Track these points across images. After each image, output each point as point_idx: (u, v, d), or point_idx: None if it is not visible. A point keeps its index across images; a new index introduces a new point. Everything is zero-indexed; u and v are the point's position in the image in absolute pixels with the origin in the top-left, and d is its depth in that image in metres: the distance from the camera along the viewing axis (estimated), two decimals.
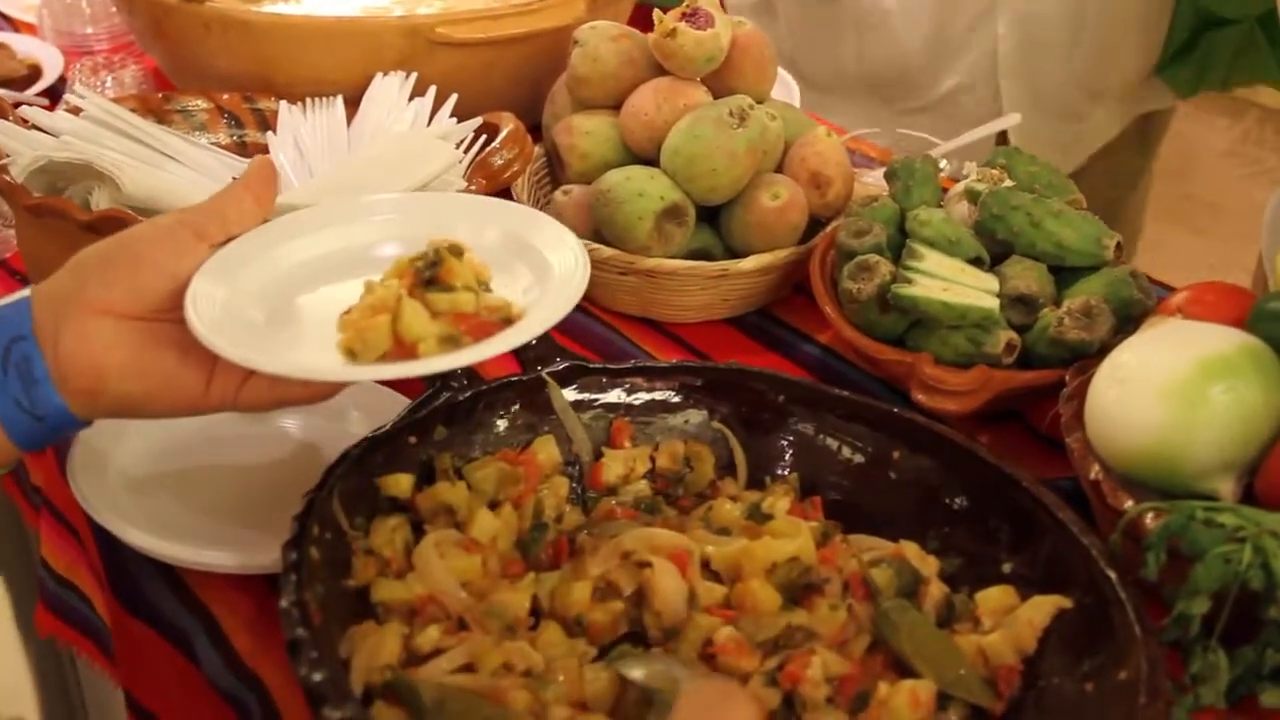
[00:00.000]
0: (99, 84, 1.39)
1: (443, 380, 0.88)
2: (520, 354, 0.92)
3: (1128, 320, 0.98)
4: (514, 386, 0.90)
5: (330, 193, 0.96)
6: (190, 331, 0.72)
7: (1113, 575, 0.76)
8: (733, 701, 0.73)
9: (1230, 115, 3.77)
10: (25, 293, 0.75)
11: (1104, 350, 0.92)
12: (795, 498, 0.89)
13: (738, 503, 0.88)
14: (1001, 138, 1.52)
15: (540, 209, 1.09)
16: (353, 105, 1.19)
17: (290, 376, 0.73)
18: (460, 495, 0.82)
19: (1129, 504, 0.81)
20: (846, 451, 0.90)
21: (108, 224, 0.91)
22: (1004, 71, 1.60)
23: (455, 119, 1.14)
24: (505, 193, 1.10)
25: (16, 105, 1.10)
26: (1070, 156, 1.67)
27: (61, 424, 0.75)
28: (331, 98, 1.19)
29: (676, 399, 0.93)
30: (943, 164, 1.25)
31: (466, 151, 1.10)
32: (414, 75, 1.19)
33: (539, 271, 0.80)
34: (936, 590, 0.82)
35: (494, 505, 0.84)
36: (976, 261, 1.02)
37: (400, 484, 0.82)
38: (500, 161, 1.07)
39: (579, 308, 1.14)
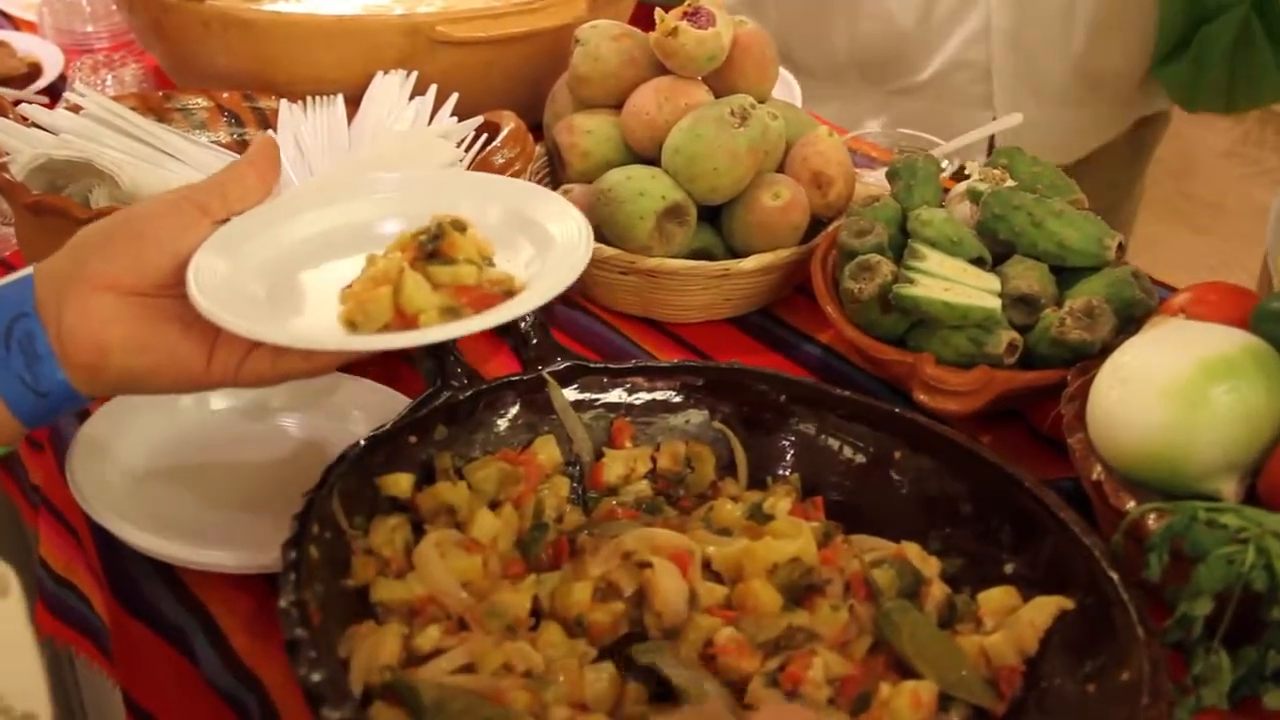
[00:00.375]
0: (99, 82, 1.39)
1: (443, 379, 0.88)
2: (521, 353, 0.92)
3: (1130, 320, 0.97)
4: (514, 386, 0.90)
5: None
6: (192, 306, 0.72)
7: (1115, 576, 0.76)
8: None
9: (1230, 117, 3.76)
10: (27, 271, 0.75)
11: (1106, 350, 0.91)
12: (796, 498, 0.88)
13: (739, 503, 0.87)
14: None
15: None
16: (353, 104, 1.19)
17: (292, 347, 0.74)
18: (461, 495, 0.82)
19: (1131, 505, 0.81)
20: (848, 452, 0.90)
21: None
22: (997, 46, 1.59)
23: (456, 118, 1.14)
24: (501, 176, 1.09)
25: (16, 103, 1.10)
26: (1068, 149, 1.66)
27: (64, 400, 0.75)
28: (332, 96, 1.19)
29: (677, 399, 0.92)
30: (944, 164, 1.25)
31: (468, 150, 1.10)
32: (414, 74, 1.19)
33: (541, 245, 0.80)
34: (938, 591, 0.82)
35: (494, 505, 0.84)
36: (978, 261, 1.02)
37: (400, 484, 0.82)
38: (501, 160, 1.07)
39: (580, 307, 1.15)
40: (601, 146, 1.15)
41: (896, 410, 0.90)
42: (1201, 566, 0.75)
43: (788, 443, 0.91)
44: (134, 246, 0.74)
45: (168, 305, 0.75)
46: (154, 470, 0.89)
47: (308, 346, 0.75)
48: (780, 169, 1.15)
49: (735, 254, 1.13)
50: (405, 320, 0.73)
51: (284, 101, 1.19)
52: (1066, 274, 1.02)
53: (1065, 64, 1.61)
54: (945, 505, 0.86)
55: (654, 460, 0.91)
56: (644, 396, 0.92)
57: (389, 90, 1.18)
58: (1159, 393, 0.83)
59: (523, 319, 0.92)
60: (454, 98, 1.16)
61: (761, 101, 1.14)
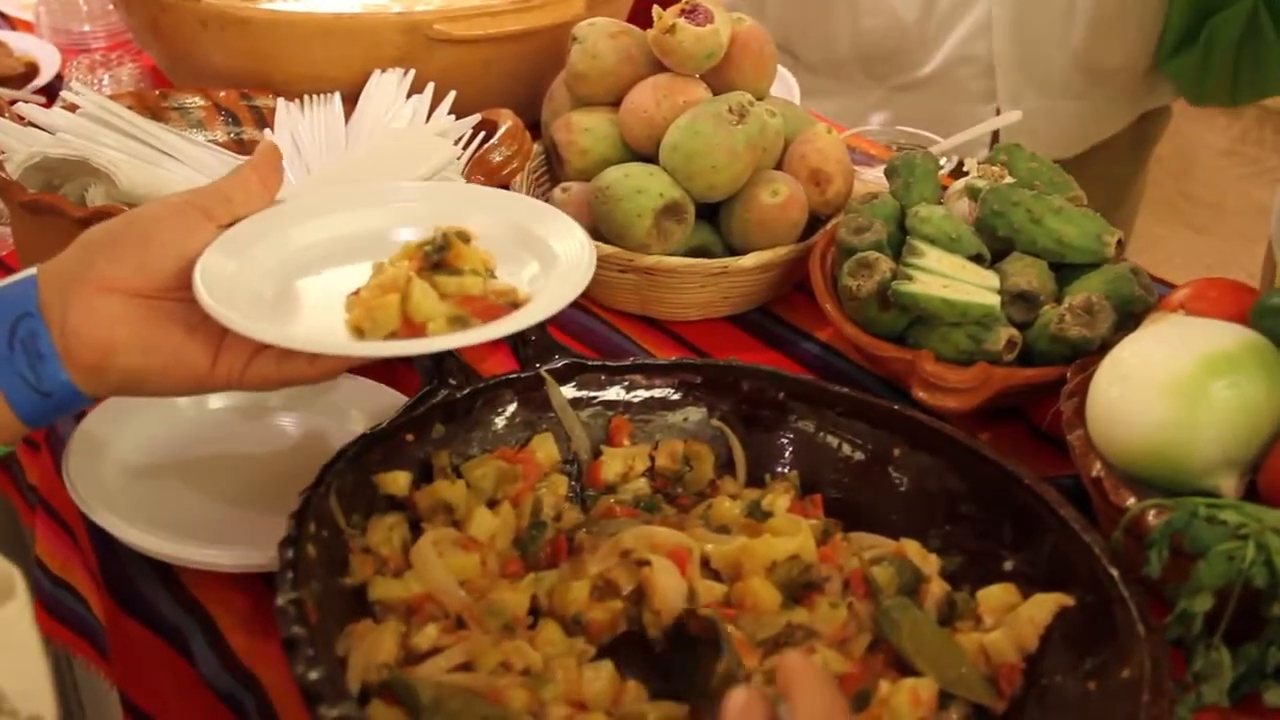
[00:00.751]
0: (96, 82, 1.39)
1: (440, 377, 0.88)
2: (518, 352, 0.92)
3: (1129, 317, 0.97)
4: (512, 384, 0.89)
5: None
6: (197, 308, 0.72)
7: (1115, 573, 0.76)
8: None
9: (1229, 114, 3.76)
10: (31, 271, 0.75)
11: (1105, 347, 0.91)
12: (795, 496, 0.88)
13: (737, 501, 0.87)
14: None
15: None
16: (350, 102, 1.18)
17: (298, 350, 0.74)
18: (459, 493, 0.82)
19: (1131, 501, 0.80)
20: (847, 449, 0.90)
21: (103, 220, 0.91)
22: (999, 40, 1.59)
23: (453, 116, 1.14)
24: (504, 189, 1.09)
25: (12, 103, 1.09)
26: (1070, 142, 1.66)
27: (67, 400, 0.75)
28: (329, 95, 1.18)
29: (675, 396, 0.92)
30: (943, 161, 1.24)
31: (465, 148, 1.09)
32: (412, 72, 1.19)
33: (545, 261, 0.80)
34: (938, 588, 0.82)
35: (492, 503, 0.84)
36: (977, 258, 1.01)
37: (398, 482, 0.82)
38: (499, 158, 1.07)
39: (578, 305, 1.15)
40: (599, 144, 1.14)
41: (895, 407, 0.90)
42: (1202, 563, 0.74)
43: (786, 440, 0.91)
44: (139, 249, 0.74)
45: (173, 308, 0.75)
46: (151, 469, 0.89)
47: (314, 350, 0.74)
48: (779, 166, 1.15)
49: (734, 252, 1.12)
50: (412, 328, 0.73)
51: (281, 100, 1.19)
52: (1065, 271, 1.02)
53: (1067, 57, 1.61)
54: (944, 502, 0.86)
55: (652, 458, 0.90)
56: (642, 394, 0.92)
57: (386, 88, 1.18)
58: (1159, 389, 0.83)
59: None
60: (451, 96, 1.15)
61: (760, 99, 1.13)
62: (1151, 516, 0.78)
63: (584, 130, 1.15)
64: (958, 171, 1.25)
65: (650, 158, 1.12)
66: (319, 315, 0.77)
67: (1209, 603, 0.74)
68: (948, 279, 0.98)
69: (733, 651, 0.74)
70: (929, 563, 0.83)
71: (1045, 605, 0.78)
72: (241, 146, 1.18)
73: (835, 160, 1.14)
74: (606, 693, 0.74)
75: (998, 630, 0.78)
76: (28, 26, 1.59)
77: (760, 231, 1.10)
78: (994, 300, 0.97)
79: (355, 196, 0.86)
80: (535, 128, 1.20)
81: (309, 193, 0.86)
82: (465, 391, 0.87)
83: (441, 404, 0.86)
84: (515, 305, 0.76)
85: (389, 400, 0.95)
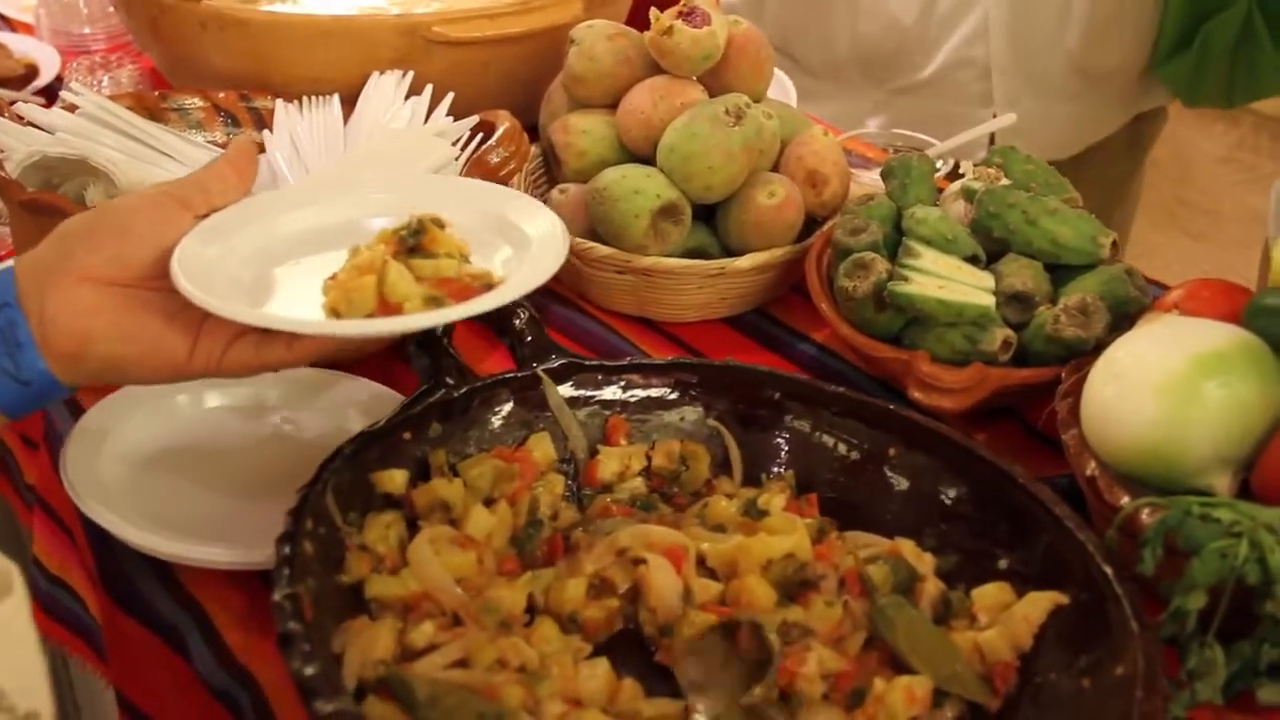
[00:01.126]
0: (95, 83, 1.39)
1: (437, 376, 0.88)
2: (515, 351, 0.92)
3: (1124, 318, 0.97)
4: (509, 383, 0.90)
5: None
6: (175, 296, 0.73)
7: (1109, 571, 0.76)
8: None
9: (1226, 121, 3.77)
10: (8, 264, 0.76)
11: (1100, 348, 0.91)
12: (791, 495, 0.88)
13: (733, 500, 0.87)
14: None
15: None
16: (349, 104, 1.18)
17: (276, 331, 0.75)
18: (455, 491, 0.82)
19: (1125, 500, 0.81)
20: (842, 448, 0.90)
21: None
22: (996, 44, 1.60)
23: (451, 118, 1.14)
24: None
25: (12, 103, 1.09)
26: (1066, 144, 1.67)
27: (46, 389, 0.76)
28: (328, 96, 1.19)
29: (672, 396, 0.92)
30: (939, 164, 1.25)
31: (463, 150, 1.10)
32: (410, 74, 1.19)
33: (518, 245, 0.82)
34: (933, 587, 0.82)
35: (489, 502, 0.84)
36: (973, 259, 1.02)
37: (394, 480, 0.82)
38: (496, 159, 1.07)
39: (575, 306, 1.15)
40: (597, 146, 1.15)
41: (891, 407, 0.90)
42: (1195, 560, 0.75)
43: (782, 440, 0.91)
44: (117, 239, 0.76)
45: (150, 297, 0.76)
46: (149, 467, 0.89)
47: (290, 329, 0.76)
48: (775, 168, 1.15)
49: (730, 253, 1.13)
50: (389, 309, 0.75)
51: (280, 101, 1.19)
52: (1061, 272, 1.02)
53: (1064, 60, 1.62)
54: (940, 502, 0.86)
55: (649, 458, 0.91)
56: (638, 394, 0.92)
57: (385, 90, 1.18)
58: (1152, 388, 0.83)
59: (517, 316, 0.92)
60: (449, 97, 1.16)
61: (757, 101, 1.14)
62: (1145, 515, 0.79)
63: (581, 132, 1.15)
64: (954, 174, 1.26)
65: (648, 159, 1.12)
66: (296, 299, 0.78)
67: (1202, 600, 0.75)
68: (943, 280, 0.98)
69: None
70: (924, 562, 0.83)
71: (1040, 604, 0.78)
72: None
73: (832, 162, 1.14)
74: (602, 690, 0.74)
75: (992, 628, 0.78)
76: (28, 28, 1.59)
77: (757, 233, 1.11)
78: (989, 301, 0.97)
79: (331, 188, 0.88)
80: (533, 130, 1.20)
81: (285, 186, 0.87)
82: (462, 390, 0.88)
83: (439, 403, 0.86)
84: (489, 287, 0.77)
85: (386, 400, 0.95)
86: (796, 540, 0.82)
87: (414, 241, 0.77)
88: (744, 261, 1.10)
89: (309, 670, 0.64)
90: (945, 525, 0.86)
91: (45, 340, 0.74)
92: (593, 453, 0.90)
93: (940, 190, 1.12)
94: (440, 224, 0.78)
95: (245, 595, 0.83)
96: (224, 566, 0.82)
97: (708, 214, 1.14)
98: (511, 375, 0.90)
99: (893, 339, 1.02)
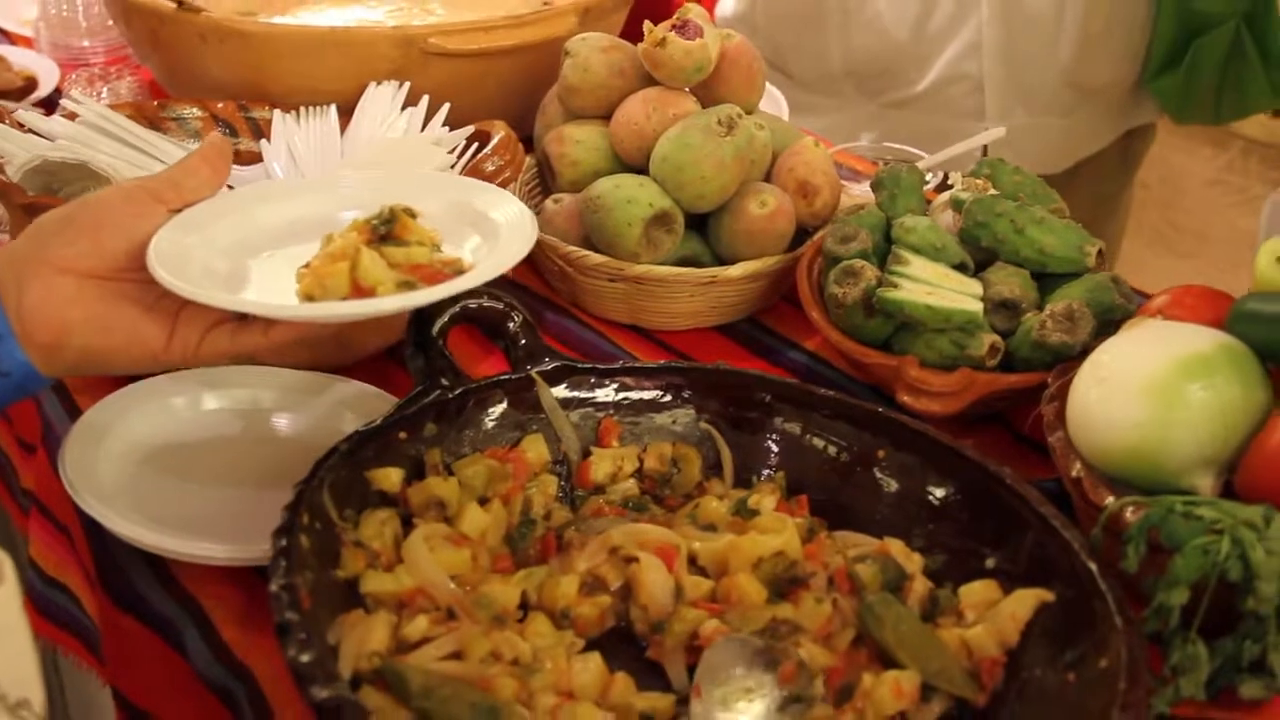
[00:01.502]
0: (95, 94, 1.40)
1: (432, 378, 0.89)
2: (510, 354, 0.93)
3: (1109, 325, 0.99)
4: (503, 385, 0.91)
5: None
6: (152, 288, 0.75)
7: (1093, 567, 0.77)
8: None
9: (1215, 145, 3.81)
10: None
11: (1086, 353, 0.92)
12: (781, 496, 0.89)
13: (724, 500, 0.88)
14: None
15: None
16: (346, 114, 1.20)
17: (251, 315, 0.77)
18: (451, 489, 0.83)
19: (1110, 500, 0.82)
20: (832, 450, 0.91)
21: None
22: (989, 59, 1.62)
23: (447, 128, 1.15)
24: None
25: (12, 113, 1.11)
26: (1057, 157, 1.69)
27: (26, 380, 0.77)
28: (325, 107, 1.20)
29: (664, 399, 0.93)
30: (929, 177, 1.26)
31: (459, 158, 1.11)
32: (406, 85, 1.20)
33: (488, 233, 0.84)
34: (920, 586, 0.83)
35: (483, 501, 0.85)
36: (961, 268, 1.03)
37: (390, 478, 0.83)
38: (491, 168, 1.08)
39: (569, 314, 1.16)
40: (591, 156, 1.16)
41: (880, 410, 0.91)
42: (1178, 557, 0.76)
43: (772, 442, 0.92)
44: (92, 231, 0.77)
45: (127, 288, 0.78)
46: (146, 465, 0.90)
47: (264, 313, 0.78)
48: (767, 179, 1.17)
49: (722, 262, 1.14)
50: (362, 293, 0.77)
51: (277, 112, 1.20)
52: (1047, 280, 1.04)
53: (1055, 74, 1.64)
54: (928, 502, 0.87)
55: (641, 460, 0.91)
56: (631, 396, 0.93)
57: (381, 100, 1.19)
58: (1137, 390, 0.84)
59: (511, 320, 0.93)
60: (445, 108, 1.17)
61: (749, 113, 1.15)
62: (1129, 513, 0.80)
63: (576, 142, 1.17)
64: (943, 187, 1.28)
65: (641, 170, 1.14)
66: (271, 288, 0.80)
67: (1185, 596, 0.76)
68: (932, 286, 0.99)
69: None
70: (912, 561, 0.84)
71: (1026, 601, 0.79)
72: (239, 157, 1.19)
73: (822, 173, 1.16)
74: (595, 683, 0.75)
75: (979, 625, 0.79)
76: (27, 42, 1.61)
77: (748, 242, 1.12)
78: (977, 307, 0.99)
79: (304, 183, 0.90)
80: (528, 141, 1.22)
81: (261, 182, 0.89)
82: (457, 392, 0.89)
83: (434, 403, 0.87)
84: (460, 273, 0.79)
85: (380, 402, 0.96)
86: (786, 539, 0.83)
87: (386, 230, 0.79)
88: (735, 270, 1.11)
89: (305, 658, 0.65)
90: (933, 525, 0.87)
91: (24, 331, 0.76)
92: (585, 454, 0.91)
93: (929, 203, 1.13)
94: (411, 214, 0.80)
95: (242, 592, 0.84)
96: (220, 562, 0.83)
97: (700, 223, 1.15)
98: (506, 377, 0.91)
99: (882, 345, 1.03)
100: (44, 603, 1.02)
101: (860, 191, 1.28)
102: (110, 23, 1.53)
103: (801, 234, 1.17)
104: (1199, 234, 3.54)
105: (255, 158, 1.18)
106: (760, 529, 0.84)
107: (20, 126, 1.07)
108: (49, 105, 1.43)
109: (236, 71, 1.24)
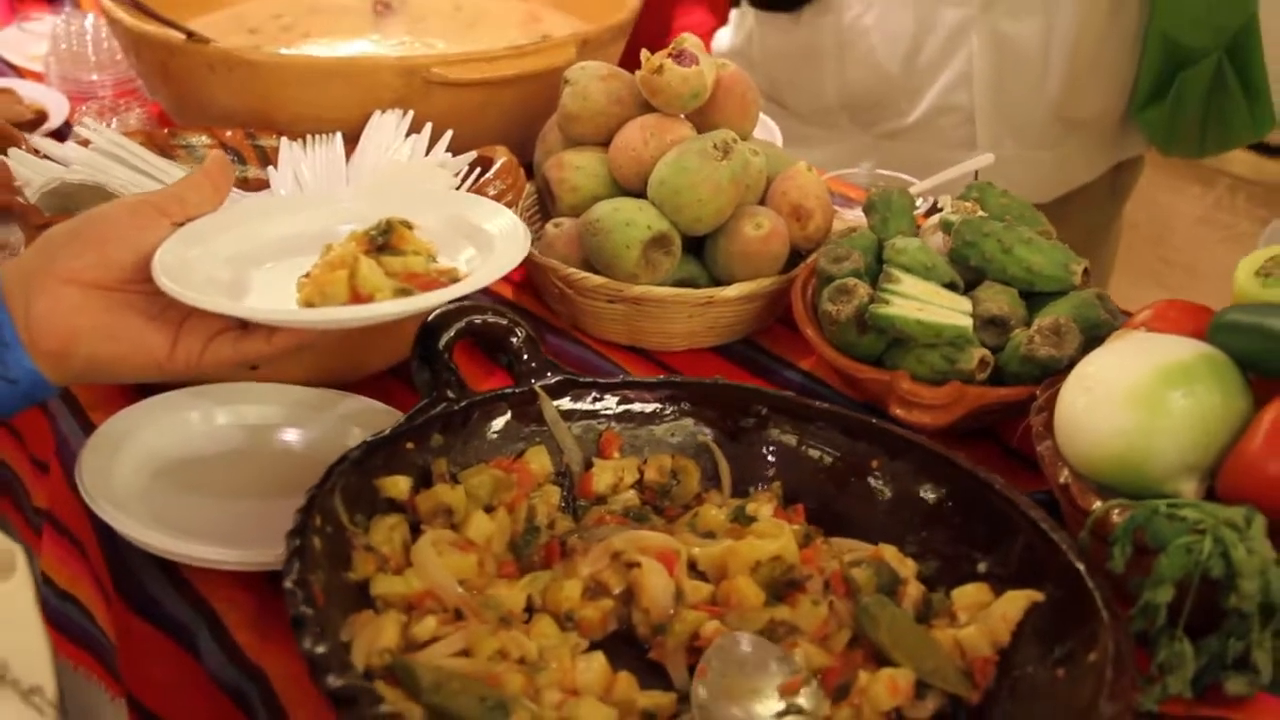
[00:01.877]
0: (105, 125, 1.43)
1: (439, 391, 0.92)
2: (513, 368, 0.96)
3: (1095, 340, 1.01)
4: (507, 398, 0.93)
5: None
6: (156, 298, 0.79)
7: (1081, 566, 0.79)
8: None
9: (1203, 184, 3.86)
10: None
11: (1073, 367, 0.95)
12: (778, 505, 0.92)
13: (723, 509, 0.91)
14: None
15: (532, 242, 1.15)
16: (351, 142, 1.23)
17: (252, 323, 0.80)
18: (458, 497, 0.85)
19: (1097, 504, 0.84)
20: (827, 460, 0.93)
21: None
22: (978, 91, 1.66)
23: (450, 154, 1.18)
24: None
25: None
26: (1047, 188, 1.72)
27: (33, 387, 0.80)
28: (331, 134, 1.23)
29: (663, 412, 0.96)
30: (919, 202, 1.30)
31: (462, 183, 1.14)
32: (410, 113, 1.23)
33: (482, 245, 0.88)
34: (914, 590, 0.85)
35: (488, 510, 0.87)
36: (951, 286, 1.06)
37: (398, 485, 0.85)
38: (494, 192, 1.11)
39: (569, 335, 1.19)
40: (590, 181, 1.19)
41: (873, 421, 0.94)
42: (1162, 556, 0.78)
43: (769, 453, 0.95)
44: (98, 243, 0.81)
45: (133, 299, 0.81)
46: (160, 476, 0.93)
47: (265, 319, 0.81)
48: (761, 203, 1.20)
49: (719, 284, 1.17)
50: (360, 301, 0.80)
51: (284, 139, 1.23)
52: (1035, 298, 1.07)
53: (1044, 106, 1.69)
54: (920, 510, 0.90)
55: (641, 471, 0.94)
56: (631, 409, 0.95)
57: (386, 128, 1.23)
58: (1121, 399, 0.87)
59: (514, 335, 0.96)
60: (448, 135, 1.20)
61: (744, 139, 1.19)
62: (1115, 516, 0.82)
63: (575, 168, 1.20)
64: (933, 212, 1.31)
65: (639, 194, 1.17)
66: (272, 298, 0.84)
67: (1170, 594, 0.78)
68: (922, 303, 1.02)
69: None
70: (906, 566, 0.87)
71: (1017, 602, 0.82)
72: (246, 184, 1.22)
73: (815, 196, 1.19)
74: (599, 681, 0.77)
75: (971, 626, 0.81)
76: (37, 77, 1.64)
77: (744, 263, 1.15)
78: (967, 321, 1.01)
79: (303, 198, 0.94)
80: (528, 169, 1.25)
81: (261, 197, 0.92)
82: (462, 404, 0.91)
83: (440, 415, 0.90)
84: (457, 281, 0.83)
85: (386, 417, 0.99)
86: (783, 543, 0.85)
87: (383, 240, 0.82)
88: (731, 291, 1.14)
89: (320, 649, 0.67)
90: (926, 532, 0.89)
91: (32, 339, 0.79)
92: (587, 465, 0.93)
93: (920, 226, 1.16)
94: (409, 225, 0.84)
95: (254, 596, 0.86)
96: (232, 567, 0.85)
97: (697, 247, 1.18)
98: (510, 390, 0.94)
99: (875, 362, 1.06)
100: (56, 617, 1.04)
101: (853, 217, 1.31)
102: (118, 57, 1.57)
103: (795, 257, 1.20)
104: (1189, 269, 3.59)
105: (263, 185, 1.21)
106: (758, 534, 0.86)
107: (36, 153, 1.10)
108: (59, 138, 1.46)
109: (244, 100, 1.27)
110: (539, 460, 0.92)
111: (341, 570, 0.79)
